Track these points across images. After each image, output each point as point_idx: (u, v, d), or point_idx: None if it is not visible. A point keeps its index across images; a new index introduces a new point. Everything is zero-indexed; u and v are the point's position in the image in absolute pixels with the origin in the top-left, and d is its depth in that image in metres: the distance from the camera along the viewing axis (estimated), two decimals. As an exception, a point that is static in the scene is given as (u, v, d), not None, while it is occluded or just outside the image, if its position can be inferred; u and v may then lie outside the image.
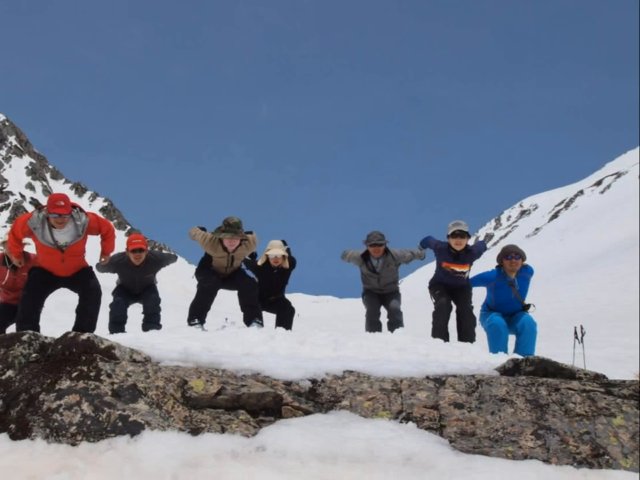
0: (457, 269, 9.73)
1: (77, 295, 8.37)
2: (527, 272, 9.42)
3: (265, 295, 9.89)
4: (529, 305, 9.33)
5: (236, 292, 9.44)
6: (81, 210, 8.05)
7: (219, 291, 9.48)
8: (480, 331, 9.60)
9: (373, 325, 10.17)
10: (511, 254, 9.21)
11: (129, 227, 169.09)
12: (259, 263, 10.03)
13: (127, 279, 9.80)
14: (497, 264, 9.50)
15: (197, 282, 9.47)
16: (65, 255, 7.93)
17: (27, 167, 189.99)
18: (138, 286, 9.81)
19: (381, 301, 10.50)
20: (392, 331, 8.96)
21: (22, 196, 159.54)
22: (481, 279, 9.61)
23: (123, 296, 9.65)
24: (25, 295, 8.01)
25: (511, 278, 9.28)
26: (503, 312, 9.34)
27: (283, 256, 9.98)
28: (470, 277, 9.86)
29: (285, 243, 10.19)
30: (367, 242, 10.23)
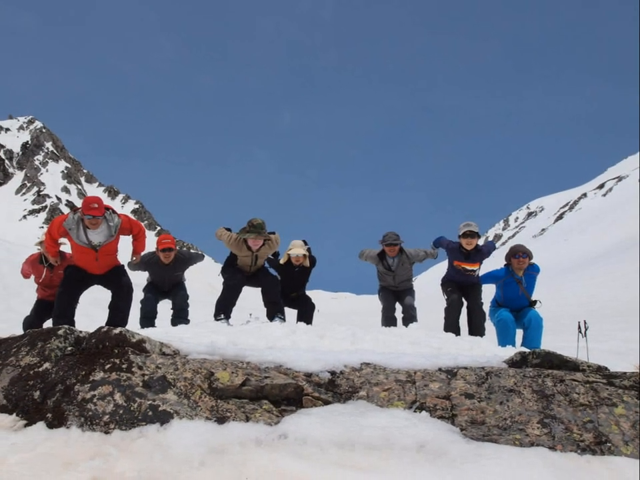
0: (468, 267, 9.75)
1: (109, 291, 8.42)
2: (533, 270, 9.43)
3: (287, 291, 9.91)
4: (535, 301, 9.34)
5: (259, 289, 9.47)
6: (114, 212, 8.09)
7: (243, 288, 9.50)
8: (489, 326, 9.59)
9: (388, 320, 10.17)
10: (518, 253, 9.25)
11: (158, 228, 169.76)
12: (281, 261, 10.05)
13: (156, 276, 9.84)
14: (505, 262, 9.53)
15: (222, 280, 9.49)
16: (99, 254, 7.97)
17: (62, 171, 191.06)
18: (167, 283, 9.84)
19: (396, 298, 10.51)
20: (406, 326, 8.97)
21: (58, 199, 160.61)
22: (490, 277, 9.62)
23: (153, 292, 9.69)
24: (61, 292, 8.06)
25: (519, 276, 9.29)
26: (511, 307, 9.34)
27: (304, 255, 10.01)
28: (480, 275, 9.86)
29: (305, 243, 10.20)
30: (383, 242, 10.28)
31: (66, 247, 8.53)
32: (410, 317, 9.97)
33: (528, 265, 9.33)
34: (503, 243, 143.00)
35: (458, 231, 9.79)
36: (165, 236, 10.02)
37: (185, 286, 10.08)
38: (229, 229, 9.48)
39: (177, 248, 9.84)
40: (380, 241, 10.37)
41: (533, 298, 9.30)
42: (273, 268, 10.04)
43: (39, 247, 9.53)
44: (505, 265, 9.53)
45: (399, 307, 10.42)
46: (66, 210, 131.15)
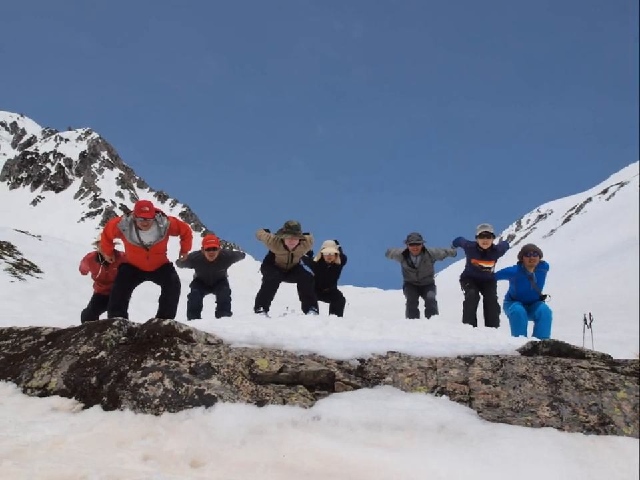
0: (484, 265, 9.72)
1: (159, 286, 8.46)
2: (543, 267, 9.40)
3: (320, 286, 9.91)
4: (545, 296, 9.30)
5: (295, 285, 9.48)
6: (163, 214, 8.14)
7: (280, 284, 9.53)
8: (503, 318, 9.57)
9: (412, 312, 10.17)
10: (530, 251, 9.27)
11: (204, 229, 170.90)
12: (315, 259, 10.06)
13: (202, 273, 9.87)
14: (518, 260, 9.51)
15: (262, 276, 9.53)
16: (150, 253, 8.02)
17: (117, 178, 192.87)
18: (212, 279, 9.86)
19: (419, 292, 10.51)
20: (428, 318, 8.94)
21: (112, 202, 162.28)
22: (504, 273, 9.58)
23: (199, 288, 9.70)
24: (116, 287, 8.12)
25: (530, 272, 9.27)
26: (523, 301, 9.31)
27: (336, 254, 9.99)
28: (495, 272, 9.83)
29: (337, 243, 10.20)
30: (407, 241, 10.29)
31: (120, 246, 8.60)
32: (432, 309, 9.96)
33: (538, 262, 9.30)
34: (516, 243, 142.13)
35: (475, 232, 9.77)
36: (210, 236, 10.04)
37: (227, 282, 10.08)
38: (267, 230, 9.50)
39: (221, 247, 9.86)
40: (404, 241, 10.38)
41: (543, 292, 9.27)
42: (307, 265, 10.04)
43: (95, 247, 9.61)
44: (517, 263, 9.50)
45: (421, 301, 10.42)
46: (120, 213, 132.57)
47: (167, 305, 8.32)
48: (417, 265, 10.27)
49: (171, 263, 8.60)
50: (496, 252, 9.73)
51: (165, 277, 8.36)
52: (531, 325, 9.19)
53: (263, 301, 9.25)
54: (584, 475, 3.20)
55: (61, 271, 27.29)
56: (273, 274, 9.30)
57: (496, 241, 9.94)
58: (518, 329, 8.86)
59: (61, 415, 4.18)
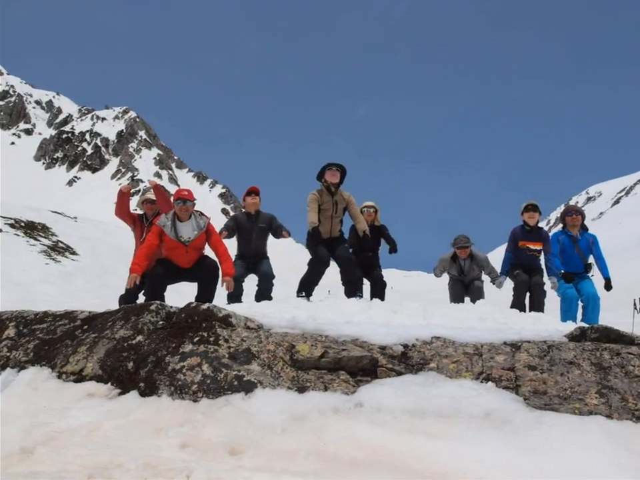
0: (532, 247, 9.70)
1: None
2: (588, 235, 9.62)
3: (359, 251, 10.04)
4: (590, 265, 9.50)
5: (338, 270, 9.48)
6: (202, 214, 8.32)
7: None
8: (549, 303, 9.62)
9: (457, 298, 10.27)
10: (571, 211, 9.55)
11: (243, 211, 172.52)
12: (355, 223, 10.00)
13: (243, 237, 9.81)
14: (561, 225, 9.79)
15: (304, 260, 9.57)
16: (188, 248, 8.14)
17: (155, 158, 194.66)
18: (253, 248, 9.78)
19: (465, 289, 10.58)
20: (474, 302, 8.93)
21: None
22: (552, 241, 9.66)
23: (239, 269, 9.63)
24: (153, 275, 8.15)
25: (572, 233, 9.47)
26: (568, 270, 9.41)
27: (375, 211, 10.43)
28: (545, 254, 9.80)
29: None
30: (454, 244, 10.40)
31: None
32: (478, 297, 9.95)
33: (582, 228, 9.58)
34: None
35: (520, 209, 9.81)
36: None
37: (270, 264, 9.99)
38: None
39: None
40: (451, 244, 10.52)
41: (601, 272, 9.34)
42: (350, 239, 10.07)
43: (140, 207, 9.88)
44: (561, 228, 9.78)
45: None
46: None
47: (206, 289, 8.37)
48: (465, 271, 10.34)
49: (207, 255, 8.63)
50: (542, 234, 9.73)
51: (201, 263, 8.40)
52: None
53: (307, 286, 9.28)
54: (633, 464, 3.17)
55: (97, 253, 27.65)
56: (321, 254, 9.28)
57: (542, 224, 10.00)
58: (568, 314, 8.89)
59: (96, 401, 4.22)
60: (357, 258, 9.79)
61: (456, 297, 10.36)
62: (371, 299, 9.08)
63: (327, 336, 4.92)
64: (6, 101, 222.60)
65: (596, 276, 9.49)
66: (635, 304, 9.17)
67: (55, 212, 40.80)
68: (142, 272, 7.97)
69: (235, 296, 9.25)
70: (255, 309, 6.47)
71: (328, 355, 4.58)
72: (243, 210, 10.09)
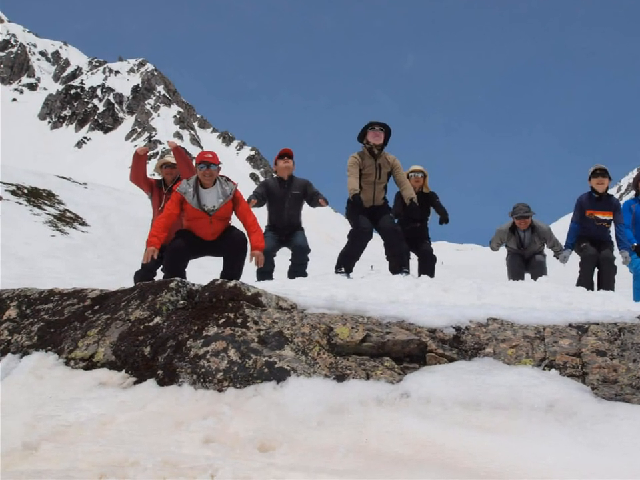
0: (600, 217, 9.66)
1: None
2: None
3: (405, 222, 10.00)
4: None
5: (381, 242, 9.46)
6: (228, 179, 8.26)
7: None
8: (620, 280, 9.55)
9: (515, 275, 10.18)
10: None
11: (275, 176, 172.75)
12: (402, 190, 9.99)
13: (275, 205, 9.85)
14: (634, 192, 9.81)
15: (347, 227, 9.57)
16: (212, 218, 8.07)
17: (175, 116, 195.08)
18: (286, 218, 9.80)
19: (525, 264, 10.53)
20: (535, 279, 8.88)
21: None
22: (623, 209, 9.63)
23: (270, 242, 9.59)
24: (173, 247, 8.12)
25: None
26: None
27: (424, 176, 10.54)
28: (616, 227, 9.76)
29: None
30: (513, 214, 10.34)
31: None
32: (539, 272, 9.90)
33: None
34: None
35: (587, 174, 9.71)
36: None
37: (304, 236, 10.00)
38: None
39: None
40: (510, 214, 10.45)
41: None
42: (395, 209, 10.05)
43: (158, 172, 9.92)
44: (634, 196, 9.79)
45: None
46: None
47: (233, 264, 8.36)
48: (525, 244, 10.29)
49: (234, 226, 8.58)
50: (612, 202, 9.66)
51: (228, 235, 8.36)
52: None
53: (347, 261, 9.29)
54: None
55: (109, 224, 27.78)
56: (363, 224, 9.26)
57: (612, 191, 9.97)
58: (641, 292, 8.84)
59: (109, 390, 4.23)
60: (403, 229, 9.75)
61: (515, 273, 10.31)
62: (419, 275, 9.06)
63: (369, 317, 4.91)
64: (7, 51, 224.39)
65: None
66: None
67: (62, 177, 41.13)
68: (160, 245, 7.94)
69: (265, 272, 9.27)
70: (288, 287, 6.50)
71: (370, 338, 4.57)
72: (275, 175, 10.12)
